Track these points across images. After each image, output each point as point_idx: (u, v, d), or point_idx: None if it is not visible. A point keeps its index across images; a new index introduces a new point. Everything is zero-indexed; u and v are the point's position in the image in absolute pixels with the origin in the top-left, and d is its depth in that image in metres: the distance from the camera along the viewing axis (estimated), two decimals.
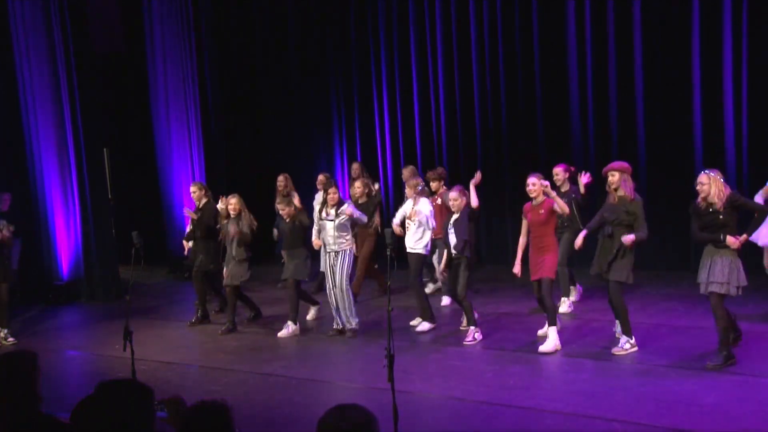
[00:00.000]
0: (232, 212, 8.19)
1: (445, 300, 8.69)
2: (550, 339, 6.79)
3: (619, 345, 6.63)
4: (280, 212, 8.20)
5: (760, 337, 6.90)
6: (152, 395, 2.80)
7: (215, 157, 12.32)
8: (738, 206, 6.22)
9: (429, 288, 9.16)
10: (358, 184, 9.25)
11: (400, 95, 11.82)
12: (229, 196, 8.26)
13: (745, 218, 6.44)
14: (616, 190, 6.62)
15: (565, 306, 8.08)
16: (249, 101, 13.05)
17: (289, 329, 7.90)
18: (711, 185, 6.14)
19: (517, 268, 7.15)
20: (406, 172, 10.11)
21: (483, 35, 10.96)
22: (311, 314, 8.54)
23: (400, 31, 11.69)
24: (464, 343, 7.21)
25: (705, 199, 6.19)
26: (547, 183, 6.99)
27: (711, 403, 5.39)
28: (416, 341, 7.42)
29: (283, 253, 8.19)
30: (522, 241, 7.11)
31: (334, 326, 7.85)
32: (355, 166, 10.56)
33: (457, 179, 11.19)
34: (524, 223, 7.09)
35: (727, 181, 6.43)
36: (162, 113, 11.87)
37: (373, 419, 2.45)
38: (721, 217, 6.14)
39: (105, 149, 11.15)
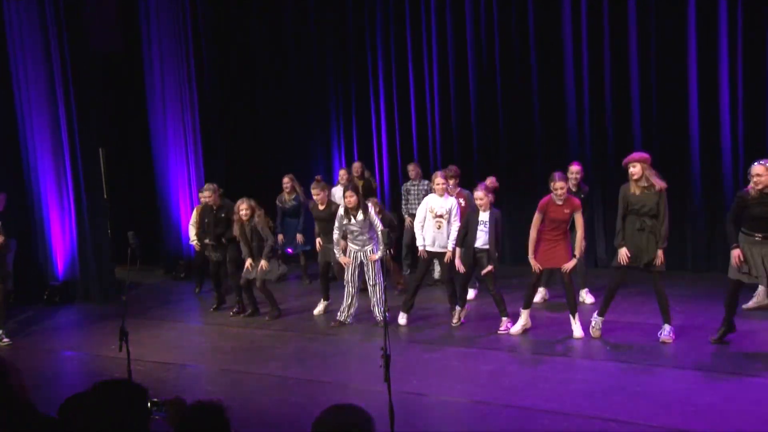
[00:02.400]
0: (243, 217, 8.34)
1: (471, 292, 8.75)
2: (576, 326, 7.11)
3: (666, 333, 6.78)
4: (315, 197, 8.58)
5: (756, 336, 6.91)
6: (146, 395, 2.79)
7: (213, 157, 12.30)
8: None
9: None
10: (356, 165, 10.14)
11: (397, 94, 11.83)
12: (239, 202, 8.44)
13: None
14: (637, 180, 6.68)
15: (590, 297, 8.33)
16: (247, 101, 13.04)
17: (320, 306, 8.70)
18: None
19: (535, 263, 7.22)
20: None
21: (480, 34, 10.97)
22: (319, 308, 8.69)
23: (396, 30, 11.70)
24: (499, 332, 7.41)
25: (762, 190, 6.16)
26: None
27: (707, 403, 5.40)
28: (413, 341, 7.42)
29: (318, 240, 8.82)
30: (534, 235, 7.19)
31: (338, 318, 8.07)
32: (342, 172, 10.64)
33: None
34: (537, 217, 7.15)
35: (723, 179, 6.46)
36: (159, 113, 11.84)
37: (368, 419, 2.45)
38: None
39: (101, 149, 11.12)
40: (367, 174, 10.79)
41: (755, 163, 6.25)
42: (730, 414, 5.18)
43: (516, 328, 7.36)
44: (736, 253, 6.34)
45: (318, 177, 9.73)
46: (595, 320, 7.09)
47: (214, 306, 9.24)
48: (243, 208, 8.33)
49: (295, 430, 5.31)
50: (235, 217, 8.45)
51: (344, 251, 8.05)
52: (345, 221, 7.90)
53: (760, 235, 6.26)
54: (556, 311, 8.06)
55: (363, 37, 12.01)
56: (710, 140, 9.54)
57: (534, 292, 7.42)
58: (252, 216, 8.33)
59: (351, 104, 12.30)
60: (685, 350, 6.58)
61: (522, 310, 7.39)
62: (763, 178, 6.14)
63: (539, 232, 7.17)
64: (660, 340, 6.80)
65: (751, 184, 6.24)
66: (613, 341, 6.94)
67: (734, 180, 9.35)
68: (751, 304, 7.61)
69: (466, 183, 9.33)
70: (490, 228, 7.36)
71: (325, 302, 8.71)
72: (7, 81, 10.01)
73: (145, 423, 2.76)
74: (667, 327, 6.84)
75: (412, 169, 10.25)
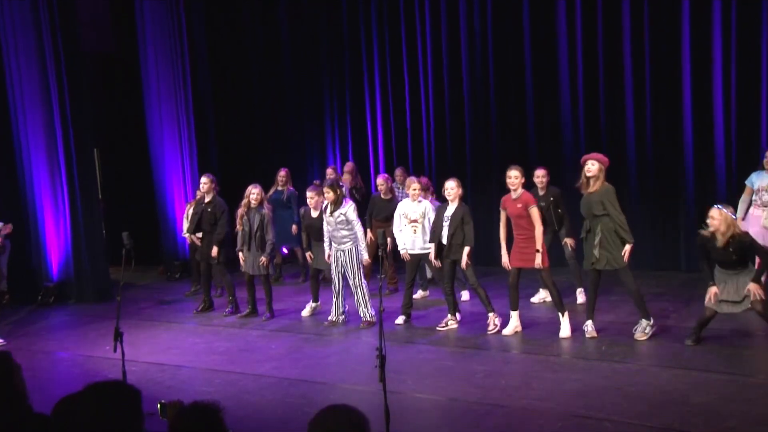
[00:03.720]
0: (254, 202, 8.37)
1: (466, 295, 8.86)
2: (565, 325, 7.13)
3: (643, 328, 6.84)
4: (309, 201, 8.34)
5: (750, 336, 6.93)
6: (140, 397, 2.78)
7: (208, 155, 12.29)
8: (746, 249, 6.33)
9: (419, 294, 9.09)
10: (380, 180, 9.45)
11: (392, 91, 11.85)
12: (251, 186, 8.48)
13: None
14: (590, 179, 6.82)
15: (582, 296, 8.32)
16: (241, 100, 13.03)
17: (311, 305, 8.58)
18: (721, 222, 6.28)
19: (505, 260, 7.27)
20: (401, 172, 10.15)
21: (474, 31, 10.99)
22: (306, 310, 8.62)
23: (391, 27, 11.72)
24: (487, 331, 7.42)
25: (714, 234, 6.34)
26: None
27: (701, 402, 5.41)
28: (408, 341, 7.42)
29: (314, 243, 8.47)
30: (503, 232, 7.29)
31: (330, 318, 8.06)
32: (329, 170, 10.58)
33: (446, 175, 11.24)
34: (503, 215, 7.28)
35: (716, 180, 6.50)
36: (155, 112, 11.82)
37: (364, 420, 2.45)
38: (734, 257, 6.33)
39: (95, 149, 11.10)
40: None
41: (714, 207, 6.43)
42: (725, 414, 5.19)
43: (508, 330, 7.36)
44: (712, 291, 6.52)
45: (316, 182, 9.75)
46: (586, 324, 7.10)
47: (201, 308, 9.08)
48: (255, 192, 8.37)
49: (291, 430, 5.31)
50: (243, 202, 8.44)
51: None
52: (325, 212, 7.99)
53: (733, 271, 6.43)
54: (550, 311, 8.07)
55: (358, 31, 12.01)
56: (703, 141, 9.57)
57: (515, 292, 7.32)
58: (261, 204, 8.36)
59: (345, 100, 12.31)
60: (679, 350, 6.59)
61: (511, 312, 7.40)
62: (715, 222, 6.33)
63: (508, 232, 7.29)
64: (634, 337, 6.87)
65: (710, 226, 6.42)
66: (608, 341, 6.95)
67: (727, 180, 9.38)
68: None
69: (461, 181, 9.31)
70: (453, 220, 7.44)
71: (314, 304, 8.64)
72: (1, 81, 9.98)
73: (139, 424, 2.75)
74: (643, 322, 6.90)
75: (398, 175, 10.14)
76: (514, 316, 7.38)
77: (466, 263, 7.44)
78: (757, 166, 8.10)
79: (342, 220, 7.85)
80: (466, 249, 7.41)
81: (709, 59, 9.40)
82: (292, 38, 12.56)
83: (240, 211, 8.47)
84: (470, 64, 11.08)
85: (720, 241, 6.32)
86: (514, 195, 7.16)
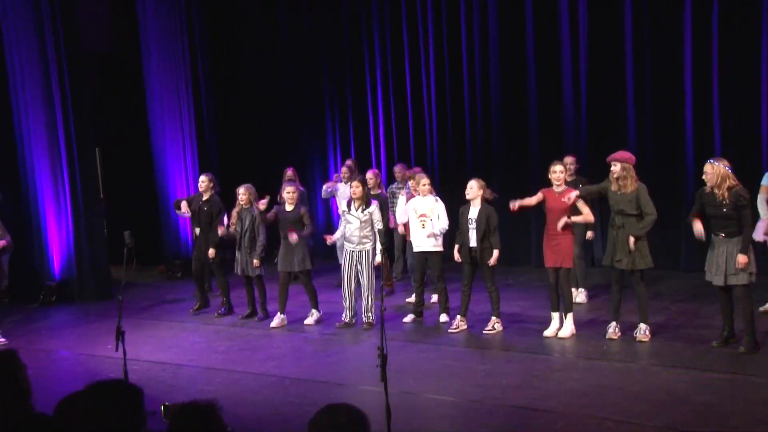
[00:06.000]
0: (241, 202, 8.30)
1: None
2: (567, 325, 7.11)
3: (642, 332, 6.84)
4: (285, 195, 8.17)
5: None
6: (141, 396, 2.78)
7: (209, 155, 12.29)
8: (738, 208, 6.23)
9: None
10: (370, 174, 9.19)
11: (393, 89, 11.85)
12: (239, 187, 8.38)
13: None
14: (617, 179, 6.75)
15: (582, 296, 8.29)
16: (243, 98, 13.04)
17: (314, 317, 8.18)
18: (714, 175, 6.23)
19: (516, 204, 7.17)
20: (401, 168, 10.04)
21: (473, 28, 10.99)
22: (310, 319, 8.30)
23: (392, 25, 11.71)
24: (484, 332, 7.42)
25: (712, 188, 6.31)
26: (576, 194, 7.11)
27: (702, 402, 5.41)
28: (409, 341, 7.42)
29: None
30: (530, 201, 7.20)
31: (343, 318, 7.95)
32: (343, 169, 10.39)
33: (447, 173, 11.28)
34: (539, 197, 7.17)
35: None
36: (157, 112, 11.82)
37: (364, 419, 2.45)
38: (725, 210, 6.24)
39: (97, 149, 11.11)
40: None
41: (707, 162, 6.39)
42: (727, 413, 5.18)
43: (565, 332, 7.14)
44: (696, 225, 6.44)
45: (290, 174, 9.58)
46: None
47: (196, 307, 9.04)
48: (241, 193, 8.31)
49: (291, 429, 5.31)
50: (237, 203, 8.41)
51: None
52: (344, 209, 7.88)
53: (722, 234, 6.35)
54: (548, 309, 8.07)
55: (359, 27, 12.01)
56: (703, 140, 9.56)
57: (556, 293, 7.19)
58: (250, 205, 8.31)
59: (346, 101, 12.31)
60: (681, 350, 6.59)
61: (552, 314, 7.26)
62: (709, 176, 6.29)
63: (546, 229, 7.21)
64: (636, 339, 6.84)
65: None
66: (609, 341, 6.94)
67: None
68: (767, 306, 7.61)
69: (462, 179, 9.31)
70: (479, 224, 7.33)
71: (283, 316, 8.22)
72: (4, 82, 9.99)
73: (141, 423, 2.75)
74: (642, 326, 6.88)
75: (398, 171, 9.92)
76: (555, 317, 7.23)
77: (493, 264, 7.39)
78: (755, 166, 8.08)
79: (367, 219, 7.78)
80: (495, 252, 7.36)
81: (709, 60, 9.40)
82: (293, 36, 12.56)
83: (234, 211, 8.44)
84: (472, 61, 11.08)
85: (717, 194, 6.24)
86: (557, 189, 7.09)
